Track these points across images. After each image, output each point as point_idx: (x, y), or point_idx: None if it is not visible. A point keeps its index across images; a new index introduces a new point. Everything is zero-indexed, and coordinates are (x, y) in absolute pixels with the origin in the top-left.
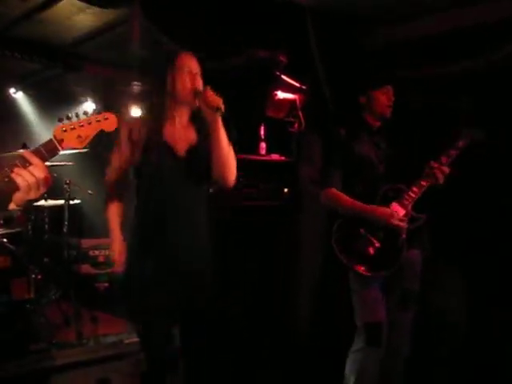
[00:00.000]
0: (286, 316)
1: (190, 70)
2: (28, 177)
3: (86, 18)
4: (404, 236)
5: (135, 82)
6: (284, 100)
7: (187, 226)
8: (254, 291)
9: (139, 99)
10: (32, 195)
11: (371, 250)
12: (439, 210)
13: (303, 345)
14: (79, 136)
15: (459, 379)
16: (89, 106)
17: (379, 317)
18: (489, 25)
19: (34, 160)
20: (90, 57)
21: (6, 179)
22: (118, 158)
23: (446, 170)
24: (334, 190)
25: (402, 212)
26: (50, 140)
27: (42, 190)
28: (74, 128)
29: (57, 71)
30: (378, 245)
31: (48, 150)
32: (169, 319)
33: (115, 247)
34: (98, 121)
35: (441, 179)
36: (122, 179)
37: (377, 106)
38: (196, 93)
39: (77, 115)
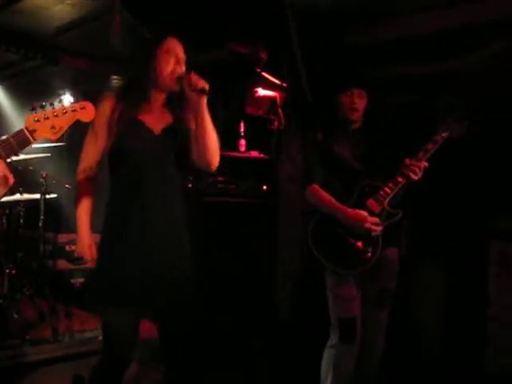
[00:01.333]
0: (266, 309)
1: (176, 55)
2: None
3: (66, 9)
4: (379, 233)
5: (115, 76)
6: (264, 97)
7: (163, 208)
8: (234, 284)
9: (119, 93)
10: None
11: (347, 248)
12: (418, 207)
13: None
14: (53, 127)
15: (435, 377)
16: (67, 99)
17: (352, 313)
18: (473, 25)
19: None
20: (68, 49)
21: None
22: (94, 148)
23: (422, 165)
24: (317, 187)
25: (376, 209)
26: (21, 130)
27: (2, 190)
28: (47, 118)
29: (35, 63)
30: (353, 242)
31: (18, 142)
32: (137, 312)
33: (84, 242)
34: (74, 110)
35: (416, 175)
36: (97, 171)
37: (342, 109)
38: (179, 78)
39: (51, 104)
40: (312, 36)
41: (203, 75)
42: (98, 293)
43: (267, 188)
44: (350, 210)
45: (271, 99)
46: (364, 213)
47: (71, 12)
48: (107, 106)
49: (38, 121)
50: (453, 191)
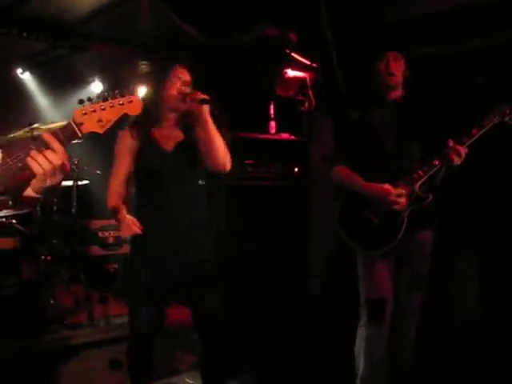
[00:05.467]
0: (299, 291)
1: (184, 80)
2: (44, 163)
3: None
4: (406, 214)
5: (143, 62)
6: (294, 78)
7: (183, 219)
8: (267, 267)
9: (147, 79)
10: (48, 182)
11: (372, 229)
12: (457, 194)
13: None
14: (100, 120)
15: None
16: (96, 86)
17: (381, 294)
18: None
19: (55, 145)
20: (97, 35)
21: (20, 164)
22: (118, 173)
23: (463, 150)
24: (343, 168)
25: (402, 189)
26: (69, 124)
27: (59, 177)
28: (94, 111)
29: (64, 51)
30: (377, 223)
31: (66, 135)
32: (158, 301)
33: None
34: (122, 104)
35: (455, 161)
36: (125, 189)
37: (379, 77)
38: (185, 95)
39: (98, 97)
40: (343, 15)
41: (233, 58)
42: (127, 284)
43: (299, 170)
44: (374, 184)
45: (301, 80)
46: (388, 186)
47: None
48: (125, 139)
49: (85, 114)
50: (493, 178)
